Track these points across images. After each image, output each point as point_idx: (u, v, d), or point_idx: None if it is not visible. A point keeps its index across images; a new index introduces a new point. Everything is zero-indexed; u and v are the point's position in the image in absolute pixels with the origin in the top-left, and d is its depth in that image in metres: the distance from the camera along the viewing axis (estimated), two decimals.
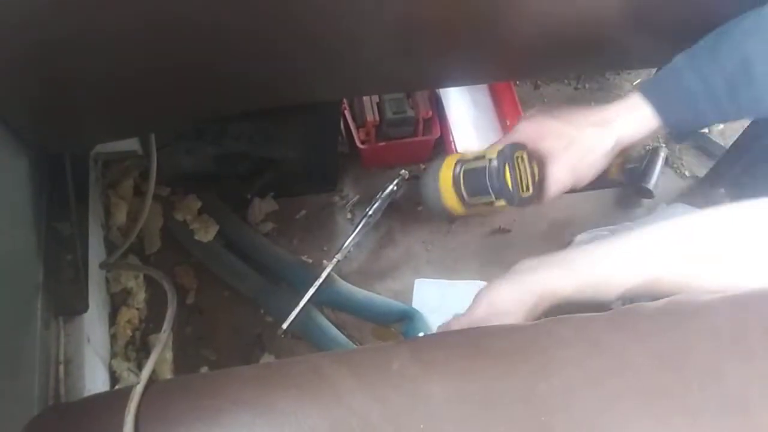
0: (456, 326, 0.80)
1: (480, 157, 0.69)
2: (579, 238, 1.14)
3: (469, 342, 0.64)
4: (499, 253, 1.16)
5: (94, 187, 1.03)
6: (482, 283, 1.04)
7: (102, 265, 0.93)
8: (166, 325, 0.68)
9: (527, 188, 0.67)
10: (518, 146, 0.69)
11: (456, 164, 0.70)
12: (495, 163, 0.67)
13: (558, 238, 1.19)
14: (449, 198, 0.70)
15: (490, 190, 0.67)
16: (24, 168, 0.74)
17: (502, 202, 0.67)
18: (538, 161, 0.70)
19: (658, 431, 0.56)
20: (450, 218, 0.79)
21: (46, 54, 0.59)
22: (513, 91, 1.24)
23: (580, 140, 0.70)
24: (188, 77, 0.70)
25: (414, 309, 1.13)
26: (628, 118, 0.72)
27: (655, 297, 0.65)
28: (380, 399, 0.58)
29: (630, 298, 0.75)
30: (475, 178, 0.68)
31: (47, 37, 0.56)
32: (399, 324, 1.13)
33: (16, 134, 0.70)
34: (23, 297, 0.73)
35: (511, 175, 0.66)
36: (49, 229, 0.79)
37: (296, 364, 0.62)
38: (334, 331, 1.09)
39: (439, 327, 0.85)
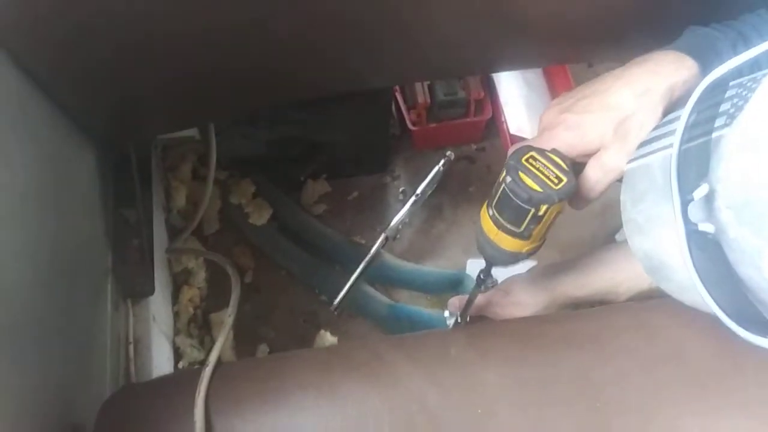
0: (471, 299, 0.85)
1: (498, 185, 0.66)
2: (619, 236, 1.14)
3: (524, 330, 0.66)
4: (550, 234, 1.16)
5: (155, 172, 1.06)
6: (534, 263, 1.05)
7: (168, 251, 0.97)
8: (231, 310, 0.71)
9: (557, 179, 0.62)
10: (522, 150, 0.64)
11: (486, 208, 0.67)
12: (508, 178, 0.63)
13: (612, 218, 1.18)
14: (507, 242, 0.65)
15: (524, 206, 0.63)
16: (92, 161, 0.78)
17: (544, 208, 0.63)
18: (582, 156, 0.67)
19: (711, 420, 0.57)
20: (531, 255, 0.72)
21: (119, 58, 0.62)
22: (566, 70, 1.23)
23: (629, 117, 0.62)
24: (247, 71, 0.72)
25: (464, 273, 1.13)
26: (677, 66, 0.63)
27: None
28: (438, 383, 0.60)
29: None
30: (507, 206, 0.62)
31: (123, 42, 0.59)
32: (452, 293, 1.13)
33: (84, 130, 0.74)
34: (95, 281, 0.77)
35: (532, 179, 0.62)
36: (116, 216, 0.83)
37: (357, 349, 0.65)
38: (386, 300, 1.12)
39: (451, 301, 0.89)
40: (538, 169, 0.60)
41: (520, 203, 0.60)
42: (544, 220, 0.61)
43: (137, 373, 0.80)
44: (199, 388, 0.60)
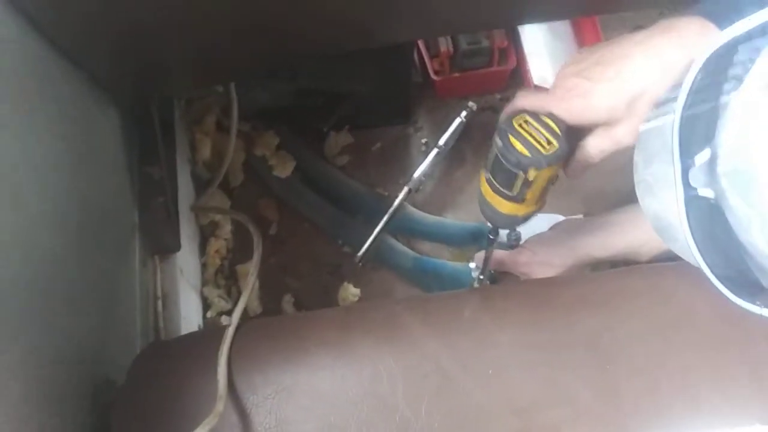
0: (498, 257, 0.90)
1: (491, 149, 0.65)
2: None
3: (538, 292, 0.67)
4: (573, 185, 1.15)
5: (179, 125, 1.08)
6: (559, 217, 1.06)
7: (193, 208, 0.99)
8: (253, 269, 0.73)
9: (548, 144, 0.61)
10: (515, 113, 0.63)
11: (483, 171, 0.67)
12: (499, 141, 0.62)
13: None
14: (503, 205, 0.65)
15: (513, 170, 0.62)
16: (116, 119, 0.79)
17: (533, 173, 0.62)
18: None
19: (719, 383, 0.58)
20: (524, 222, 0.71)
21: (140, 20, 0.62)
22: (595, 18, 1.19)
23: (643, 97, 0.58)
24: (266, 30, 0.72)
25: (486, 226, 1.14)
26: (701, 39, 0.58)
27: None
28: (451, 345, 0.62)
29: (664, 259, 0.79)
30: (499, 170, 0.62)
31: (143, 4, 0.59)
32: (474, 246, 1.15)
33: (106, 90, 0.75)
34: (122, 238, 0.80)
35: (521, 142, 0.61)
36: (141, 173, 0.85)
37: (374, 310, 0.67)
38: (411, 253, 1.13)
39: (477, 255, 0.91)
40: (529, 133, 0.59)
41: (509, 167, 0.60)
42: (535, 184, 0.61)
43: (166, 327, 0.83)
44: (222, 347, 0.62)
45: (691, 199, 0.48)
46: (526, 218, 0.67)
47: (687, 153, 0.48)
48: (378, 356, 0.62)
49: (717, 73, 0.49)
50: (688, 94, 0.48)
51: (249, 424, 0.59)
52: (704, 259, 0.50)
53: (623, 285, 0.66)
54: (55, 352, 0.59)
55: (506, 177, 0.62)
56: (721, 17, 0.59)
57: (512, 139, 0.60)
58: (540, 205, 0.67)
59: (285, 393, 0.60)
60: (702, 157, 0.48)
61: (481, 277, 0.89)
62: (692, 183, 0.48)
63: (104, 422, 0.63)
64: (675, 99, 0.52)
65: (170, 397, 0.60)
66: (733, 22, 0.60)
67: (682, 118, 0.48)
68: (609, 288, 0.66)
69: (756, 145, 0.44)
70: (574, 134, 0.63)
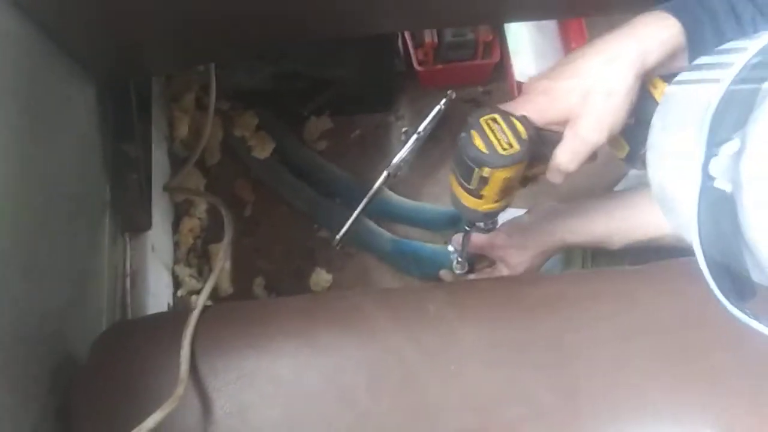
0: (474, 240, 0.90)
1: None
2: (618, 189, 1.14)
3: (503, 290, 0.67)
4: (548, 185, 1.16)
5: (157, 102, 1.07)
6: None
7: (166, 188, 0.99)
8: (222, 254, 0.73)
9: (508, 146, 0.62)
10: (486, 110, 0.65)
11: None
12: (462, 134, 0.64)
13: (612, 170, 1.17)
14: (464, 197, 0.67)
15: (470, 164, 0.63)
16: (92, 96, 0.78)
17: (486, 170, 0.63)
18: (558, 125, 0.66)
19: (675, 390, 0.59)
20: (490, 218, 0.74)
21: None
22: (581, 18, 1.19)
23: (595, 85, 0.61)
24: (247, 13, 0.71)
25: None
26: (653, 28, 0.61)
27: (659, 248, 0.65)
28: (415, 339, 0.63)
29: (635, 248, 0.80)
30: (459, 161, 0.63)
31: None
32: (451, 230, 1.15)
33: (83, 66, 0.74)
34: (93, 215, 0.79)
35: (482, 139, 0.63)
36: (115, 150, 0.84)
37: (340, 300, 0.67)
38: (389, 235, 1.14)
39: (454, 238, 0.93)
40: (492, 131, 0.61)
41: (467, 161, 0.62)
42: (492, 182, 0.63)
43: (133, 304, 0.83)
44: (186, 331, 0.62)
45: (707, 188, 0.47)
46: (488, 215, 0.69)
47: (714, 136, 0.45)
48: (342, 347, 0.62)
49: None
50: (742, 68, 0.44)
51: (210, 408, 0.59)
52: (703, 249, 0.48)
53: (590, 287, 0.67)
54: (16, 329, 0.59)
55: (465, 170, 0.64)
56: (679, 8, 0.61)
57: (474, 134, 0.62)
58: (503, 204, 0.68)
59: (247, 379, 0.61)
60: (729, 148, 0.45)
61: (460, 259, 0.92)
62: (712, 172, 0.46)
63: (65, 401, 0.63)
64: (719, 65, 0.48)
65: (132, 378, 0.60)
66: (692, 12, 0.61)
67: (726, 92, 0.44)
68: (575, 289, 0.66)
69: None
70: (549, 141, 0.65)
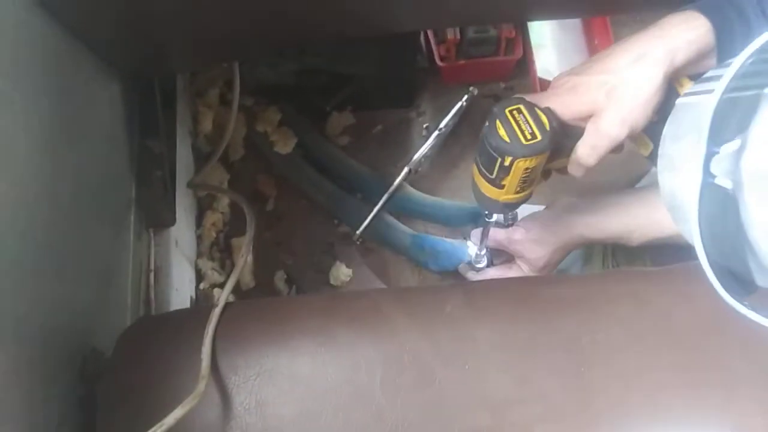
0: (493, 235, 0.92)
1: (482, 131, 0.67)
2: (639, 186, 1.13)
3: (520, 290, 0.68)
4: (568, 179, 1.16)
5: (182, 97, 1.08)
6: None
7: (189, 185, 1.00)
8: (245, 249, 0.74)
9: (531, 136, 0.63)
10: (512, 100, 0.66)
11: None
12: (487, 123, 0.65)
13: (635, 167, 1.17)
14: (484, 187, 0.68)
15: (492, 153, 0.64)
16: (117, 92, 0.80)
17: (509, 159, 0.64)
18: (579, 120, 0.66)
19: (689, 394, 0.59)
20: (509, 210, 0.75)
21: None
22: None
23: (622, 82, 0.62)
24: (271, 12, 0.72)
25: None
26: (682, 28, 0.62)
27: (679, 246, 0.65)
28: (431, 338, 0.63)
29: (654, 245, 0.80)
30: (483, 151, 0.65)
31: None
32: (471, 226, 1.16)
33: (108, 63, 0.75)
34: (118, 212, 0.81)
35: (505, 129, 0.63)
36: (140, 146, 0.86)
37: (358, 299, 0.68)
38: (409, 231, 1.15)
39: (473, 232, 0.94)
40: (516, 121, 0.63)
41: (489, 150, 0.64)
42: (513, 172, 0.64)
43: (156, 300, 0.85)
44: (207, 328, 0.64)
45: (708, 185, 0.48)
46: (507, 206, 0.70)
47: (717, 138, 0.47)
48: (359, 345, 0.63)
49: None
50: (732, 78, 0.47)
51: (230, 404, 0.61)
52: (704, 247, 0.49)
53: (605, 288, 0.67)
54: (45, 322, 0.61)
55: (487, 159, 0.65)
56: (709, 7, 0.61)
57: (498, 124, 0.63)
58: (522, 196, 0.70)
59: (266, 375, 0.62)
60: (730, 147, 0.47)
61: (480, 253, 0.94)
62: (713, 170, 0.48)
63: (90, 392, 0.65)
64: (720, 77, 0.50)
65: (155, 373, 0.62)
66: (722, 11, 0.61)
67: (720, 100, 0.47)
68: (590, 290, 0.67)
69: None
70: (573, 135, 0.66)
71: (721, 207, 0.48)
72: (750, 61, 0.47)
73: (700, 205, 0.48)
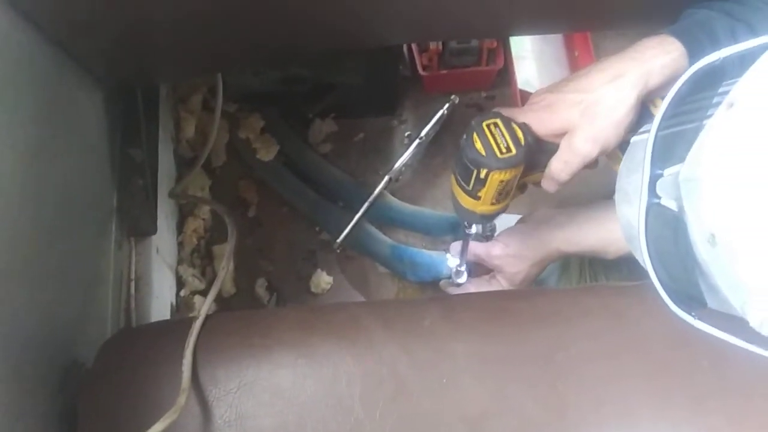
0: (473, 249, 0.94)
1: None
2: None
3: (497, 305, 0.69)
4: (545, 192, 1.17)
5: (164, 103, 1.08)
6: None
7: (171, 194, 1.01)
8: (225, 261, 0.75)
9: (506, 149, 0.65)
10: (489, 115, 0.68)
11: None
12: (464, 136, 0.67)
13: (614, 179, 1.19)
14: (461, 197, 0.70)
15: (469, 165, 0.66)
16: (100, 102, 0.80)
17: (484, 172, 0.66)
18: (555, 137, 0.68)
19: (661, 409, 0.61)
20: (487, 221, 0.78)
21: (124, 6, 0.63)
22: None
23: (597, 101, 0.64)
24: (256, 27, 0.73)
25: None
26: (657, 51, 0.64)
27: None
28: (409, 351, 0.65)
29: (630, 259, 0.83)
30: (459, 162, 0.67)
31: None
32: (450, 236, 1.17)
33: (91, 73, 0.76)
34: (100, 221, 0.81)
35: (482, 142, 0.65)
36: (122, 155, 0.86)
37: (338, 312, 0.69)
38: (388, 240, 1.16)
39: (453, 245, 0.96)
40: (492, 135, 0.65)
41: (466, 161, 0.66)
42: (489, 184, 0.66)
43: (137, 308, 0.85)
44: (188, 340, 0.64)
45: (655, 207, 0.51)
46: (484, 217, 0.72)
47: (663, 164, 0.51)
48: (338, 358, 0.64)
49: (707, 95, 0.51)
50: (664, 113, 0.51)
51: (210, 418, 0.61)
52: (653, 266, 0.52)
53: (580, 303, 0.68)
54: (27, 334, 0.61)
55: (464, 170, 0.67)
56: (684, 32, 0.64)
57: (475, 137, 0.66)
58: (499, 208, 0.72)
59: (246, 388, 0.63)
60: (674, 170, 0.50)
61: (461, 268, 0.95)
62: (659, 192, 0.51)
63: (71, 403, 0.65)
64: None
65: (135, 386, 0.62)
66: (695, 36, 0.63)
67: (657, 136, 0.51)
68: (566, 305, 0.68)
69: (706, 152, 0.46)
70: (548, 150, 0.68)
71: (670, 229, 0.51)
72: (684, 91, 0.51)
73: (647, 224, 0.51)
